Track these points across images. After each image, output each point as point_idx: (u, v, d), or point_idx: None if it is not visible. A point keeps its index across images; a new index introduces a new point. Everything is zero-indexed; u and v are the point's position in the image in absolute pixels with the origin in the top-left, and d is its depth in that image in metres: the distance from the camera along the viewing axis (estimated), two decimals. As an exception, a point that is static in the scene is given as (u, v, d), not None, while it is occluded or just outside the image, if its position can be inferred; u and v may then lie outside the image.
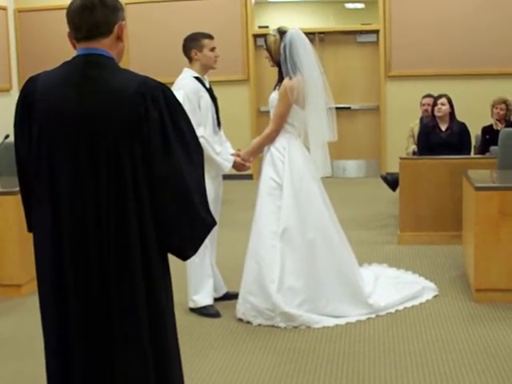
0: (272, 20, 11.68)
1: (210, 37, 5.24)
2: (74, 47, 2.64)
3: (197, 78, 5.15)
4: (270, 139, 5.18)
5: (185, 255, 2.73)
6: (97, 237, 2.53)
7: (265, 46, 5.23)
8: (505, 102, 8.27)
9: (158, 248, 2.60)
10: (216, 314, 5.20)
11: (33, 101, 2.60)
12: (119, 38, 2.63)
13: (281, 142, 5.15)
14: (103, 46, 2.59)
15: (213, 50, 5.22)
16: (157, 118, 2.51)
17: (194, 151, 2.60)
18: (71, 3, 2.60)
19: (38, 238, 2.67)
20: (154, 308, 2.60)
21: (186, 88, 5.02)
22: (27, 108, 2.62)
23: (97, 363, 2.58)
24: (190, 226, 2.61)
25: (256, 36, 11.36)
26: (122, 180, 2.50)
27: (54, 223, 2.57)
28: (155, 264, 2.60)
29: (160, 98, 2.53)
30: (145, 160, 2.51)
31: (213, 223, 2.70)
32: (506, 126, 7.91)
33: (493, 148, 7.56)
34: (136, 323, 2.57)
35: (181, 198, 2.56)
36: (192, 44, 5.20)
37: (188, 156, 2.56)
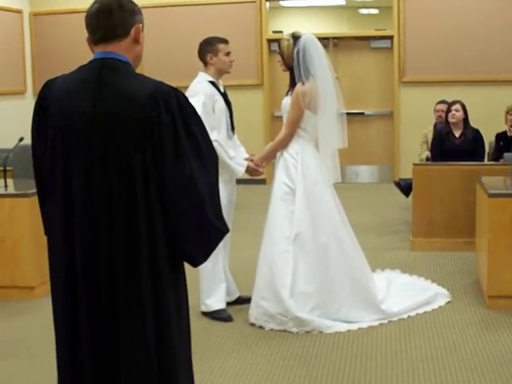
0: (286, 25, 11.70)
1: (226, 41, 5.26)
2: (93, 52, 2.65)
3: (212, 82, 5.17)
4: (283, 144, 5.18)
5: (195, 262, 2.70)
6: (108, 238, 2.53)
7: (278, 50, 5.24)
8: (519, 108, 8.24)
9: (168, 253, 2.58)
10: (228, 319, 5.21)
11: (49, 104, 2.62)
12: (136, 41, 2.64)
13: (293, 147, 5.15)
14: (120, 48, 2.60)
15: (228, 54, 5.23)
16: (169, 122, 2.50)
17: (208, 157, 2.59)
18: (89, 8, 2.63)
19: (51, 240, 2.69)
20: (161, 314, 2.59)
21: (200, 92, 5.03)
22: (43, 112, 2.64)
23: (104, 369, 2.59)
24: (200, 233, 2.59)
25: (270, 41, 11.37)
26: (132, 183, 2.50)
27: (67, 224, 2.58)
28: (164, 268, 2.58)
29: (173, 102, 2.53)
30: (156, 165, 2.51)
31: (225, 231, 2.67)
32: (520, 133, 7.89)
33: (506, 154, 7.53)
34: (142, 327, 2.56)
35: (192, 205, 2.54)
36: (207, 48, 5.21)
37: (201, 162, 2.55)
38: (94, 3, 2.62)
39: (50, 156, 2.61)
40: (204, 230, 2.59)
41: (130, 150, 2.50)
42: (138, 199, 2.51)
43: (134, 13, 2.63)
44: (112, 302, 2.55)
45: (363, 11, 12.29)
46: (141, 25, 2.64)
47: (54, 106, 2.60)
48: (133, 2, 2.65)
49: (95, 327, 2.57)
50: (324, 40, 10.66)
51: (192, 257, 2.67)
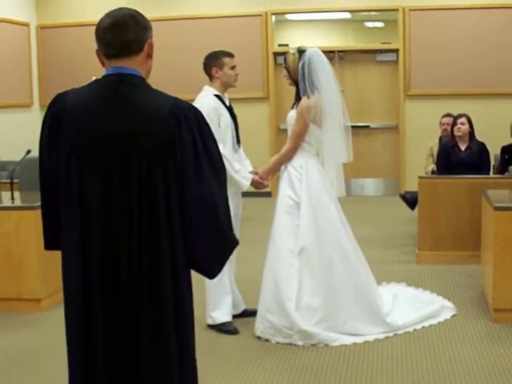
0: (292, 38, 11.74)
1: (231, 55, 5.28)
2: (103, 64, 2.65)
3: (217, 95, 5.19)
4: (288, 157, 5.20)
5: (211, 273, 2.75)
6: (128, 253, 2.54)
7: (284, 65, 5.27)
8: (524, 121, 8.24)
9: (187, 266, 2.64)
10: (234, 331, 5.21)
11: (63, 118, 2.59)
12: (149, 56, 2.67)
13: (298, 160, 5.17)
14: (134, 63, 2.61)
15: (233, 68, 5.25)
16: (190, 139, 2.55)
17: (221, 171, 2.65)
18: (101, 21, 2.61)
19: (66, 255, 2.68)
20: (182, 325, 2.63)
21: (205, 106, 5.04)
22: (56, 124, 2.62)
23: (123, 380, 2.60)
24: (217, 244, 2.65)
25: (276, 54, 11.42)
26: (154, 199, 2.54)
27: (83, 241, 2.57)
28: (183, 282, 2.64)
29: (193, 120, 2.57)
30: (177, 179, 2.55)
31: (237, 241, 2.75)
32: (526, 146, 7.90)
33: (512, 168, 7.55)
34: (164, 338, 2.59)
35: (210, 218, 2.60)
36: (212, 62, 5.24)
37: (216, 176, 2.61)
38: (106, 17, 2.60)
39: (66, 171, 2.59)
40: (220, 242, 2.67)
41: (152, 166, 2.53)
42: (160, 215, 2.54)
43: (148, 27, 2.65)
44: (131, 316, 2.56)
45: (368, 24, 12.31)
46: (152, 40, 2.66)
47: (70, 121, 2.58)
48: (144, 16, 2.65)
49: (112, 340, 2.57)
50: (330, 53, 10.71)
51: (208, 268, 2.72)
